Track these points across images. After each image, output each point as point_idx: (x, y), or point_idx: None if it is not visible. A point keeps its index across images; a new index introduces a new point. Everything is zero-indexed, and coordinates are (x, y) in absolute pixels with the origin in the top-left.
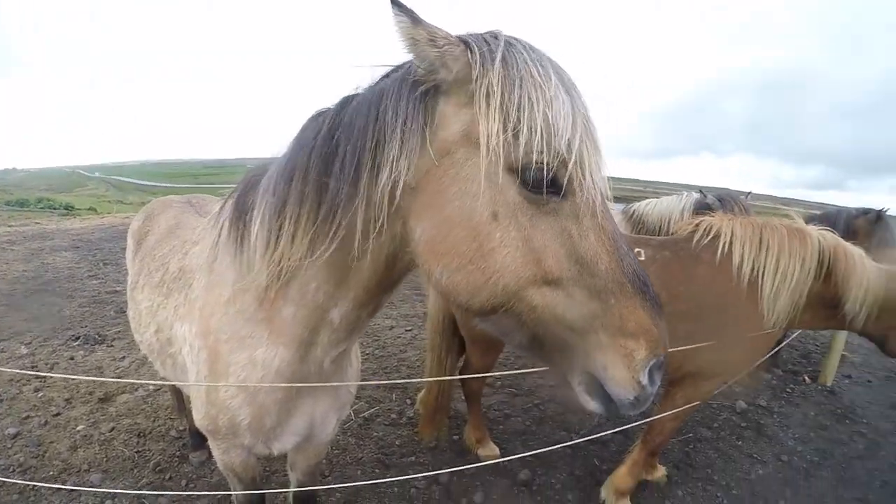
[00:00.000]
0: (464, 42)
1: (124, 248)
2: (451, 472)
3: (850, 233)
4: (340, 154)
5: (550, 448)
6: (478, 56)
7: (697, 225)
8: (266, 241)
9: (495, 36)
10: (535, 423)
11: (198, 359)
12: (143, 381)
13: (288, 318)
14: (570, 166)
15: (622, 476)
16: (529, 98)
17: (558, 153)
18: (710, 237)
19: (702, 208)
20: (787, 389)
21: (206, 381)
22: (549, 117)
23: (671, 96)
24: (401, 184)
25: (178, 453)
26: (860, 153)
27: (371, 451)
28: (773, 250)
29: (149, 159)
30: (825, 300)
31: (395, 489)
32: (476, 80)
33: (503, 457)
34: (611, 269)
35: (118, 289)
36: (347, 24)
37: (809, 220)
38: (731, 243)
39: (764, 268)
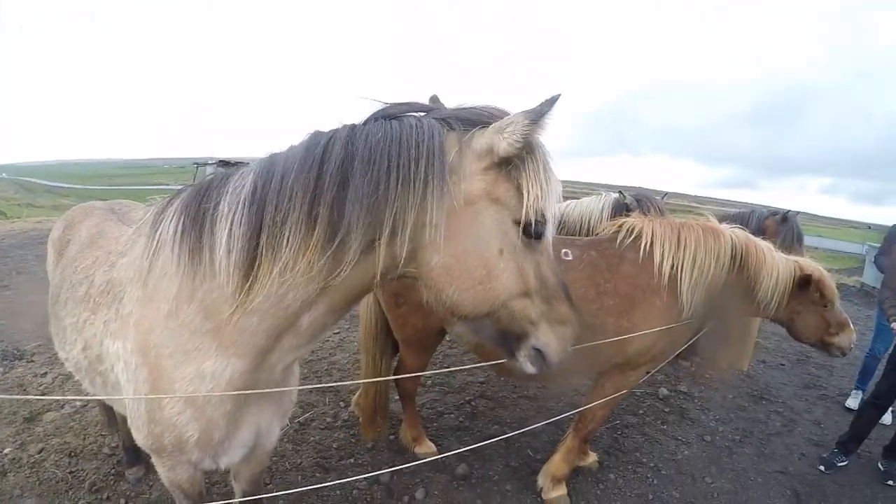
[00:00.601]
0: None
1: (38, 256)
2: (392, 471)
3: (760, 231)
4: (356, 184)
5: (487, 441)
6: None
7: (620, 226)
8: (249, 257)
9: None
10: (468, 418)
11: (136, 376)
12: (73, 398)
13: (249, 329)
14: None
15: (557, 463)
16: (549, 180)
17: (547, 214)
18: (632, 237)
19: (620, 209)
20: (706, 375)
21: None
22: (556, 194)
23: (595, 101)
24: (440, 228)
25: (113, 471)
26: (770, 155)
27: (310, 456)
28: (690, 248)
29: (60, 159)
30: (739, 291)
31: (338, 492)
32: (521, 163)
33: (440, 453)
34: (554, 283)
35: (35, 299)
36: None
37: (724, 219)
38: (652, 242)
39: (682, 264)
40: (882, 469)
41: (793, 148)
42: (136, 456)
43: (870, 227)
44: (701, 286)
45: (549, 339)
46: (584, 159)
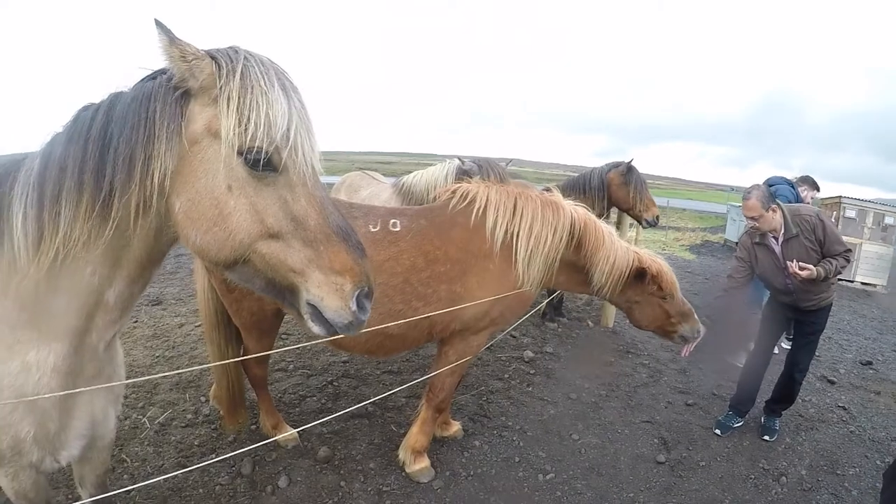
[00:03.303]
0: (211, 56)
1: None
2: (253, 462)
3: (604, 186)
4: (114, 145)
5: (339, 413)
6: (222, 69)
7: (454, 192)
8: (39, 234)
9: (236, 51)
10: (331, 400)
11: None
12: None
13: (60, 310)
14: (285, 150)
15: (415, 436)
16: (257, 102)
17: (273, 141)
18: (465, 203)
19: (462, 175)
20: (573, 335)
21: None
22: (270, 115)
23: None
24: (168, 172)
25: None
26: (640, 123)
27: (171, 457)
28: (526, 217)
29: None
30: (577, 268)
31: (201, 490)
32: (220, 89)
33: (300, 436)
34: (318, 224)
35: None
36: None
37: (566, 186)
38: (485, 208)
39: (518, 232)
40: None
41: (663, 117)
42: None
43: (732, 189)
44: (538, 256)
45: (321, 291)
46: (454, 135)
